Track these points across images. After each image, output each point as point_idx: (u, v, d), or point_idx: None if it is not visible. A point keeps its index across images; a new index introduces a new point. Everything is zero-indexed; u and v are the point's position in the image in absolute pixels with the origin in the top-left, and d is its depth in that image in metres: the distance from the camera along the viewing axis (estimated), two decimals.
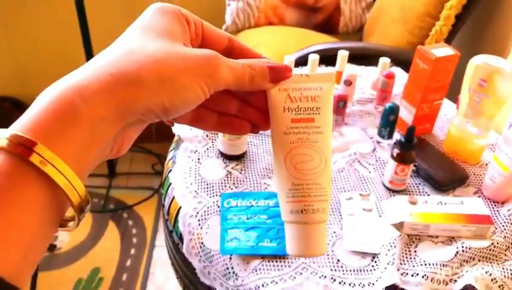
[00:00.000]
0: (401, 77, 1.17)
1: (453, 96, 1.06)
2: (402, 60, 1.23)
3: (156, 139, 2.10)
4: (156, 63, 0.30)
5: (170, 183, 0.88)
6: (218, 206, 0.82)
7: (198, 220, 0.80)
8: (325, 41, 1.48)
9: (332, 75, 0.39)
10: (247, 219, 0.79)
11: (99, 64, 0.30)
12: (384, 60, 1.10)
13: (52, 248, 1.67)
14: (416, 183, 0.90)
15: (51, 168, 0.27)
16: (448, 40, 1.43)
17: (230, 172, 0.89)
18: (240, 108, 0.39)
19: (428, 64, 0.91)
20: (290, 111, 0.37)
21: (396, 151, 0.85)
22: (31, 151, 0.26)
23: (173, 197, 0.85)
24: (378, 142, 0.99)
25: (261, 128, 0.39)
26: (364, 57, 1.30)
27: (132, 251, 1.71)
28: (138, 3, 1.84)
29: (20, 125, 0.27)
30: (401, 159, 0.84)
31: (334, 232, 0.79)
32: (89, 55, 1.67)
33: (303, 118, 0.37)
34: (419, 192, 0.88)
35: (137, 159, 2.08)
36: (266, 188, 0.87)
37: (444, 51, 0.92)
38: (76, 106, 0.28)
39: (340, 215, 0.82)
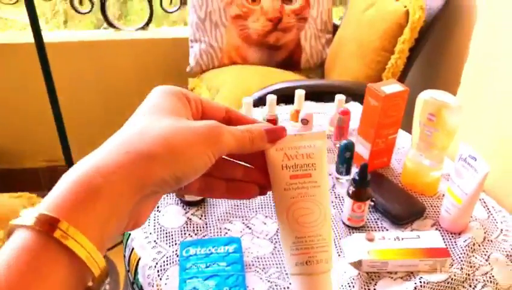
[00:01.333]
0: (358, 111, 1.19)
1: (411, 127, 1.08)
2: (360, 94, 1.26)
3: None
4: (166, 139, 0.34)
5: (129, 234, 0.87)
6: (178, 256, 0.81)
7: (158, 271, 0.79)
8: (286, 79, 1.51)
9: (324, 133, 0.42)
10: (206, 267, 0.78)
11: (114, 145, 0.34)
12: (339, 97, 1.12)
13: None
14: (374, 219, 0.91)
15: (72, 242, 0.30)
16: (405, 72, 1.47)
17: (190, 219, 0.89)
18: (244, 173, 0.42)
19: (379, 101, 0.94)
20: (288, 168, 0.40)
21: (351, 188, 0.86)
22: (55, 228, 0.29)
23: (132, 248, 0.84)
24: (337, 179, 1.00)
25: (268, 189, 0.42)
26: (324, 93, 1.33)
27: None
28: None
29: (45, 205, 0.30)
30: (357, 196, 0.85)
31: None
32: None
33: (300, 174, 0.40)
34: (378, 227, 0.89)
35: None
36: (227, 233, 0.87)
37: (393, 87, 0.95)
38: (97, 184, 0.31)
39: None
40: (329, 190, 0.97)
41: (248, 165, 0.42)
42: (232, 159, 0.42)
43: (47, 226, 0.29)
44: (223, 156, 0.41)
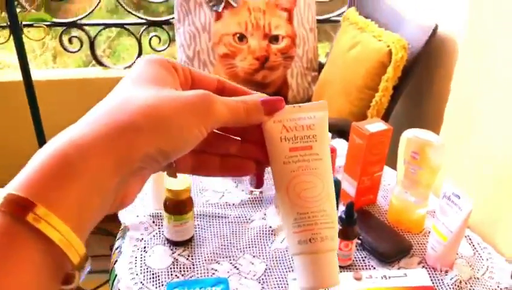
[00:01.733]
0: (344, 148, 1.21)
1: (396, 165, 1.10)
2: (345, 131, 1.27)
3: (114, 219, 2.06)
4: (149, 108, 0.30)
5: (116, 275, 0.86)
6: None
7: None
8: None
9: (325, 104, 0.39)
10: None
11: (93, 117, 0.30)
12: None
13: None
14: (362, 257, 0.91)
15: (44, 224, 0.26)
16: (389, 110, 1.50)
17: (177, 259, 0.89)
18: (240, 148, 0.38)
19: (363, 139, 0.96)
20: (287, 141, 0.37)
21: (338, 227, 0.86)
22: (24, 209, 0.26)
23: None
24: None
25: (265, 164, 0.39)
26: None
27: None
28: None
29: (15, 184, 0.27)
30: (344, 235, 0.86)
31: None
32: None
33: (301, 146, 0.37)
34: (365, 266, 0.89)
35: (95, 242, 2.02)
36: (214, 273, 0.86)
37: (377, 126, 0.97)
38: (72, 159, 0.28)
39: None
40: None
41: (243, 139, 0.39)
42: (225, 134, 0.38)
43: (15, 207, 0.26)
44: (216, 131, 0.37)
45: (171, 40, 1.95)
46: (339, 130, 1.34)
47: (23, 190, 0.27)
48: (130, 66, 1.95)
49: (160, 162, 0.32)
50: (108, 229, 2.05)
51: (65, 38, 1.86)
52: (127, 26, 1.91)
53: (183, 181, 0.89)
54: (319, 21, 1.92)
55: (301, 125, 0.38)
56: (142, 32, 1.91)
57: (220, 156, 0.38)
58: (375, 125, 0.97)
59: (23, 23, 1.67)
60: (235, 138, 0.39)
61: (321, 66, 1.84)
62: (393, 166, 1.13)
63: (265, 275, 0.86)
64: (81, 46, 1.87)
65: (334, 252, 0.37)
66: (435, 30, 1.41)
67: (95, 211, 0.29)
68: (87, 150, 0.28)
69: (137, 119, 0.30)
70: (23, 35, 1.56)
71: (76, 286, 0.30)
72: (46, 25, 1.77)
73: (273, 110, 0.37)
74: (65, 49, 1.88)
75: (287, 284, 0.84)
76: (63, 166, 0.28)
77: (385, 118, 1.47)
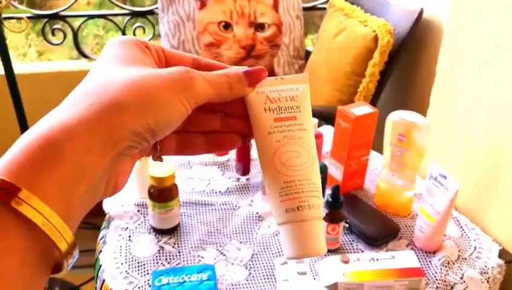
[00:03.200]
0: (331, 134, 1.20)
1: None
2: (332, 118, 1.27)
3: (102, 213, 2.04)
4: (133, 85, 0.30)
5: (100, 265, 0.85)
6: (150, 285, 0.79)
7: None
8: None
9: (307, 76, 0.39)
10: None
11: (74, 100, 0.29)
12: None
13: None
14: (349, 241, 0.91)
15: (27, 207, 0.25)
16: (376, 95, 1.49)
17: (163, 247, 0.87)
18: (223, 122, 0.38)
19: (349, 123, 0.95)
20: (271, 111, 0.37)
21: (325, 211, 0.86)
22: (8, 194, 0.25)
23: (104, 280, 0.82)
24: None
25: (249, 136, 0.39)
26: None
27: None
28: None
29: None
30: (331, 218, 0.85)
31: None
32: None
33: (286, 117, 0.37)
34: (353, 249, 0.89)
35: (82, 236, 2.00)
36: (200, 260, 0.85)
37: (363, 109, 0.96)
38: (57, 141, 0.27)
39: (275, 281, 0.81)
40: None
41: (225, 114, 0.38)
42: (207, 110, 0.37)
43: None
44: (197, 108, 0.36)
45: (156, 31, 1.93)
46: (326, 116, 1.33)
47: (6, 173, 0.26)
48: None
49: (149, 141, 0.31)
50: (96, 224, 2.03)
51: (49, 33, 1.83)
52: (110, 18, 1.88)
53: (167, 168, 0.87)
54: (305, 9, 1.91)
55: (285, 97, 0.38)
56: (126, 23, 1.88)
57: (204, 133, 0.38)
58: (361, 109, 0.97)
59: (3, 15, 1.64)
60: (217, 113, 0.38)
61: (308, 55, 1.83)
62: (381, 151, 1.13)
63: (252, 261, 0.85)
64: (65, 38, 1.84)
65: (320, 221, 0.37)
66: (420, 14, 1.41)
67: (84, 195, 0.28)
68: (73, 132, 0.27)
69: (123, 97, 0.29)
70: (4, 28, 1.53)
71: (64, 273, 0.29)
72: (27, 17, 1.74)
73: (256, 80, 0.37)
74: (48, 41, 1.85)
75: (274, 269, 0.83)
76: (47, 149, 0.27)
77: (372, 103, 1.47)
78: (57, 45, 1.87)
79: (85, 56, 1.91)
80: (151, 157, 0.37)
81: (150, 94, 0.30)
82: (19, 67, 1.84)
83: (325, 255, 0.86)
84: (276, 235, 0.91)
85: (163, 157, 0.38)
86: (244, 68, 0.37)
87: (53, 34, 1.84)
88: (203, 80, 0.33)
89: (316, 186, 0.37)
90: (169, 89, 0.31)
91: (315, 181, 0.37)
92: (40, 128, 0.27)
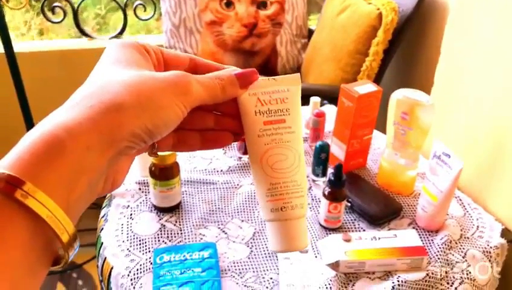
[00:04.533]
0: (334, 113, 1.19)
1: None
2: (335, 97, 1.26)
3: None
4: (131, 87, 0.31)
5: (102, 243, 0.85)
6: (151, 263, 0.79)
7: (131, 280, 0.77)
8: None
9: (298, 77, 0.40)
10: (181, 273, 0.76)
11: (76, 101, 0.31)
12: (314, 100, 1.12)
13: None
14: (351, 220, 0.90)
15: (32, 201, 0.26)
16: (380, 74, 1.48)
17: (164, 225, 0.87)
18: (216, 121, 0.40)
19: (353, 101, 0.94)
20: (261, 114, 0.39)
21: (327, 189, 0.85)
22: (13, 187, 0.26)
23: (105, 258, 0.82)
24: (314, 181, 0.99)
25: (242, 135, 0.40)
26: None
27: None
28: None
29: (3, 164, 0.28)
30: (333, 197, 0.85)
31: (271, 278, 0.78)
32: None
33: (274, 120, 0.39)
34: (355, 228, 0.89)
35: (85, 215, 2.00)
36: (202, 239, 0.85)
37: (367, 87, 0.95)
38: (59, 139, 0.28)
39: (277, 259, 0.81)
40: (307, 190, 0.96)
41: (219, 113, 0.40)
42: (201, 110, 0.39)
43: (4, 184, 0.26)
44: None
45: (157, 9, 1.90)
46: (329, 95, 1.31)
47: (12, 168, 0.27)
48: (115, 37, 1.91)
49: (146, 142, 0.32)
50: (98, 203, 2.04)
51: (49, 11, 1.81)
52: None
53: None
54: None
55: (275, 99, 0.39)
56: (127, 1, 1.85)
57: (199, 131, 0.40)
58: (365, 87, 0.95)
59: None
60: (211, 111, 0.40)
61: (311, 33, 1.81)
62: (384, 130, 1.12)
63: (253, 239, 0.85)
64: (64, 16, 1.81)
65: (303, 219, 0.39)
66: None
67: (84, 191, 0.30)
68: (74, 131, 0.29)
69: (121, 99, 0.31)
70: (3, 5, 1.51)
71: (65, 265, 0.30)
72: None
73: (248, 82, 0.38)
74: (48, 19, 1.82)
75: None
76: (50, 146, 0.28)
77: (376, 82, 1.45)
78: (57, 23, 1.85)
79: (85, 34, 1.89)
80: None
81: (148, 97, 0.32)
82: (19, 45, 1.82)
83: (327, 234, 0.86)
84: None
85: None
86: (237, 70, 0.38)
87: (53, 13, 1.82)
88: (198, 84, 0.35)
89: (301, 187, 0.39)
90: (167, 92, 0.33)
91: (300, 182, 0.39)
92: (44, 128, 0.29)
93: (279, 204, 0.38)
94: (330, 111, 1.19)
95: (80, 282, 1.74)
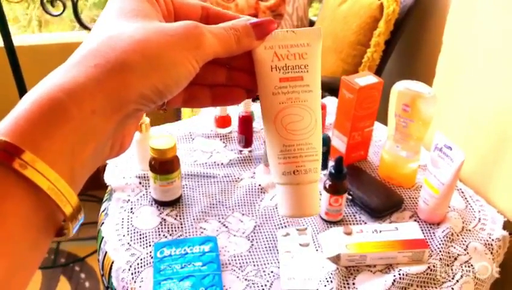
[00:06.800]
0: (335, 106, 1.18)
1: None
2: (336, 89, 1.25)
3: (106, 186, 2.04)
4: (138, 43, 0.28)
5: (102, 237, 0.85)
6: (152, 257, 0.79)
7: (132, 274, 0.77)
8: None
9: (320, 31, 0.37)
10: (182, 268, 0.76)
11: (79, 59, 0.28)
12: None
13: None
14: (352, 212, 0.90)
15: (32, 171, 0.24)
16: (381, 66, 1.47)
17: (165, 219, 0.87)
18: (228, 76, 0.37)
19: (353, 93, 0.93)
20: (277, 70, 0.36)
21: (328, 182, 0.85)
22: (11, 155, 0.24)
23: (106, 252, 0.82)
24: None
25: (255, 92, 0.37)
26: None
27: None
28: None
29: (0, 129, 0.25)
30: (334, 189, 0.84)
31: (272, 271, 0.78)
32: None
33: (291, 77, 0.36)
34: (356, 221, 0.88)
35: (87, 208, 2.00)
36: (202, 232, 0.85)
37: (368, 79, 0.94)
38: (62, 102, 0.26)
39: (278, 252, 0.81)
40: None
41: (231, 67, 0.38)
42: (213, 63, 0.36)
43: (0, 153, 0.24)
44: None
45: None
46: (330, 87, 1.30)
47: (9, 135, 0.25)
48: None
49: (156, 102, 0.30)
50: (100, 197, 2.04)
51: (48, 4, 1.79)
52: None
53: (168, 140, 0.86)
54: None
55: (293, 54, 0.36)
56: None
57: (209, 86, 0.37)
58: (366, 79, 0.95)
59: None
60: (223, 66, 0.37)
61: (312, 24, 1.79)
62: (385, 122, 1.11)
63: (254, 233, 0.85)
64: (64, 9, 1.80)
65: (316, 184, 0.37)
66: None
67: (89, 159, 0.28)
68: (78, 94, 0.26)
69: (128, 58, 0.28)
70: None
71: (68, 237, 0.28)
72: None
73: (265, 33, 0.35)
74: (48, 12, 1.81)
75: (276, 241, 0.83)
76: (51, 110, 0.26)
77: (377, 73, 1.44)
78: (57, 16, 1.84)
79: (85, 27, 1.88)
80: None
81: (157, 54, 0.29)
82: (19, 38, 1.81)
83: (328, 227, 0.86)
84: (278, 206, 0.91)
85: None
86: (252, 19, 0.35)
87: (52, 5, 1.81)
88: (211, 36, 0.32)
89: (316, 150, 0.37)
90: (177, 47, 0.30)
91: (315, 145, 0.37)
92: (43, 89, 0.26)
93: (291, 167, 0.36)
94: (331, 103, 1.18)
95: (83, 275, 1.75)
